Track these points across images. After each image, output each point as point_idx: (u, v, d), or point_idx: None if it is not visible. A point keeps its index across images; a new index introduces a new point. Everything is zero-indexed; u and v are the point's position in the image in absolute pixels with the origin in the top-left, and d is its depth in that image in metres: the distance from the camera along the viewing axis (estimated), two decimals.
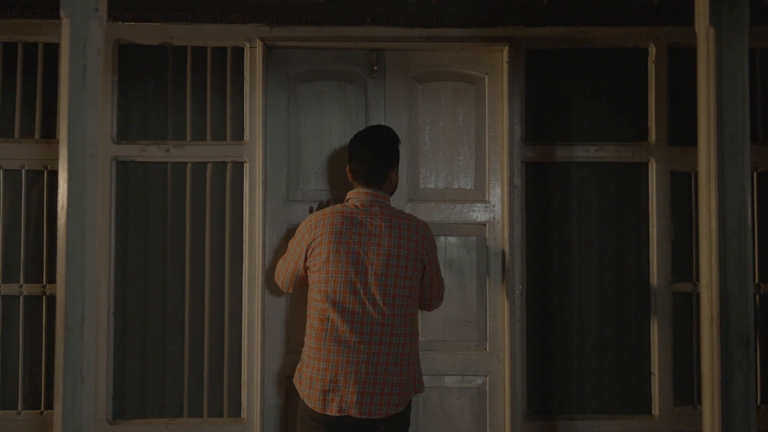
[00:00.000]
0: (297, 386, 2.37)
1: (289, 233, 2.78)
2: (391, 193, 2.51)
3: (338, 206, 2.40)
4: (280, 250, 2.78)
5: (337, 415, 2.27)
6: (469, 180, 2.88)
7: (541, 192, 2.86)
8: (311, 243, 2.35)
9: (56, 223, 2.75)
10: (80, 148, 1.66)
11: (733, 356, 1.74)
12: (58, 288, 1.63)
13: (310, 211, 2.73)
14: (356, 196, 2.41)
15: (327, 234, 2.32)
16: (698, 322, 2.83)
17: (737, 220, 1.75)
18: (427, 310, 2.61)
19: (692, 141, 2.82)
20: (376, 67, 2.86)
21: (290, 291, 2.57)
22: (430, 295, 2.48)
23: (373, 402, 2.27)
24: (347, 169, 2.49)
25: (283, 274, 2.52)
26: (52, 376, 2.74)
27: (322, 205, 2.74)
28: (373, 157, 2.41)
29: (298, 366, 2.39)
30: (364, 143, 2.44)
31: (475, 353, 2.84)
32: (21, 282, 2.76)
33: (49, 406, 2.75)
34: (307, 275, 2.42)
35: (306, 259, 2.37)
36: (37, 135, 2.80)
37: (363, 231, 2.33)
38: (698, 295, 2.83)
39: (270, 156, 2.84)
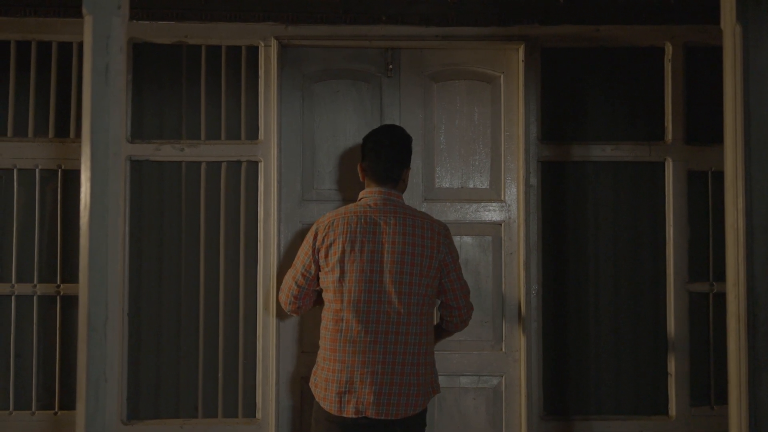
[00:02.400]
0: (312, 389, 2.34)
1: (304, 233, 2.76)
2: (402, 192, 2.49)
3: (351, 206, 2.38)
4: (294, 250, 2.77)
5: (353, 416, 2.25)
6: (485, 179, 2.87)
7: (557, 191, 2.84)
8: (324, 242, 2.32)
9: (70, 222, 2.75)
10: (103, 146, 1.64)
11: (761, 357, 1.73)
12: (80, 287, 1.61)
13: None
14: (370, 195, 2.40)
15: (342, 233, 2.30)
16: (715, 322, 2.82)
17: (764, 218, 1.73)
18: (458, 326, 2.46)
19: (709, 140, 2.82)
20: (391, 66, 2.85)
21: (292, 309, 2.44)
22: (456, 298, 2.40)
23: (391, 402, 2.24)
24: (359, 167, 2.47)
25: (290, 286, 2.41)
26: (67, 377, 2.73)
27: None
28: (389, 156, 2.39)
29: (314, 369, 2.37)
30: (380, 142, 2.42)
31: (490, 353, 2.83)
32: (35, 282, 2.74)
33: (64, 406, 2.73)
34: (317, 279, 2.39)
35: (318, 259, 2.34)
36: (51, 134, 2.79)
37: (377, 230, 2.31)
38: (715, 295, 2.83)
39: (285, 155, 2.82)
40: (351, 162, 2.82)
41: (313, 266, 2.36)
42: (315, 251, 2.34)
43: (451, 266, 2.38)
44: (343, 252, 2.29)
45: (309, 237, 2.38)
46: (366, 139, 2.47)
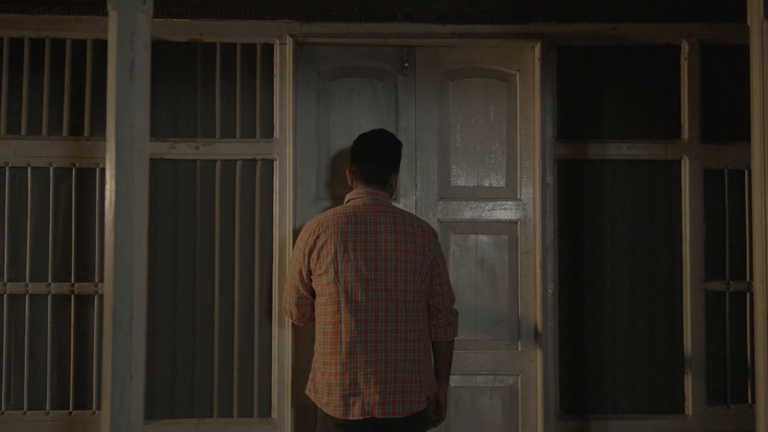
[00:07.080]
0: (312, 396, 2.30)
1: None
2: (390, 196, 2.43)
3: (339, 207, 2.34)
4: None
5: (360, 418, 2.21)
6: (501, 178, 2.86)
7: (573, 190, 2.83)
8: (314, 245, 2.27)
9: (85, 221, 2.74)
10: (128, 143, 1.63)
11: None
12: (105, 285, 1.60)
13: None
14: (358, 196, 2.36)
15: (333, 234, 2.26)
16: (731, 321, 2.82)
17: None
18: (447, 330, 2.35)
19: (726, 138, 2.82)
20: (406, 64, 2.84)
21: (297, 317, 2.39)
22: (443, 302, 2.33)
23: (396, 401, 2.22)
24: (348, 171, 2.42)
25: (290, 294, 2.37)
26: (81, 377, 2.72)
27: None
28: (379, 158, 2.36)
29: (311, 376, 2.32)
30: (370, 145, 2.39)
31: (506, 353, 2.81)
32: (49, 281, 2.73)
33: (78, 406, 2.72)
34: (311, 285, 2.33)
35: (309, 263, 2.29)
36: (65, 132, 2.78)
37: (368, 228, 2.28)
38: (731, 294, 2.82)
39: (300, 154, 2.81)
40: None
41: (306, 269, 2.30)
42: (307, 255, 2.29)
43: (441, 267, 2.35)
44: (336, 253, 2.25)
45: (299, 242, 2.33)
46: (356, 142, 2.43)
